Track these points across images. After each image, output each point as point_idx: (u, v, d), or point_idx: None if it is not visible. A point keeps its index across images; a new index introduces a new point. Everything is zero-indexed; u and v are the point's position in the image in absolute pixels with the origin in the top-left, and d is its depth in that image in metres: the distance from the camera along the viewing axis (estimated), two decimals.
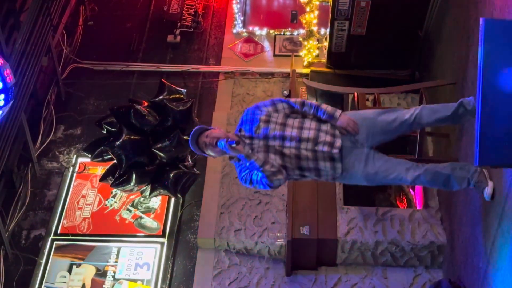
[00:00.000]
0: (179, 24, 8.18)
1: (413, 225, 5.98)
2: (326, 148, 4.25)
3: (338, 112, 4.34)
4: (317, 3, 7.05)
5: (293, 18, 8.16)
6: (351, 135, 4.32)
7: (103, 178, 5.86)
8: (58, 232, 6.46)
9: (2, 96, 5.14)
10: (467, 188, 4.51)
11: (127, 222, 6.49)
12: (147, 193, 5.87)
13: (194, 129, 4.34)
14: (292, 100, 4.44)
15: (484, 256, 4.65)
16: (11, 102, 5.32)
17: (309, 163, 4.31)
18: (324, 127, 4.32)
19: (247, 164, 4.26)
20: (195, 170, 6.07)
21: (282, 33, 8.05)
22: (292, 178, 4.44)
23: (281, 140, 4.27)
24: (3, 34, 6.06)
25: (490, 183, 4.38)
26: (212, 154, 4.33)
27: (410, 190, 6.55)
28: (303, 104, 4.38)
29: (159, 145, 5.65)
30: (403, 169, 4.40)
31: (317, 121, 4.36)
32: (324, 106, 4.37)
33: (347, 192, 6.31)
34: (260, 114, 4.36)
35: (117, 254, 6.27)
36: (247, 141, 4.30)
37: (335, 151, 4.26)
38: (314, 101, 4.74)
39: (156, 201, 6.55)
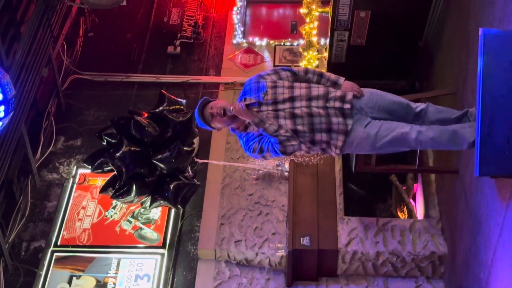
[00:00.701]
0: (179, 35, 8.19)
1: (414, 235, 5.97)
2: (337, 104, 4.25)
3: (342, 79, 4.43)
4: (317, 13, 7.06)
5: (293, 28, 8.18)
6: (357, 98, 4.34)
7: (103, 189, 5.85)
8: (58, 243, 6.44)
9: (2, 107, 5.14)
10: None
11: (127, 233, 6.48)
12: (148, 204, 5.86)
13: (198, 103, 4.30)
14: (295, 68, 4.47)
15: (485, 266, 4.63)
16: (11, 114, 5.32)
17: (322, 120, 4.23)
18: (332, 87, 4.38)
19: (256, 133, 4.24)
20: (195, 181, 6.06)
21: (282, 44, 8.07)
22: (301, 148, 4.34)
23: (291, 101, 4.25)
24: (4, 46, 6.06)
25: None
26: (219, 125, 4.30)
27: (411, 200, 6.54)
28: (306, 71, 4.43)
29: (159, 156, 5.65)
30: (405, 125, 4.29)
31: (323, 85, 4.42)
32: (328, 73, 4.45)
33: (348, 202, 6.31)
34: (265, 81, 4.33)
35: (117, 266, 6.26)
36: (255, 109, 4.23)
37: (347, 106, 4.26)
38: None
39: (156, 212, 6.54)
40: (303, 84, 4.32)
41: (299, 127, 4.22)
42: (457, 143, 4.25)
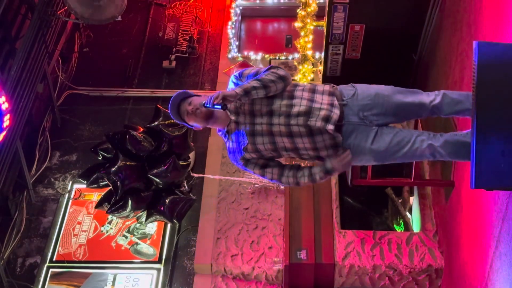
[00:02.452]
0: (174, 49, 8.21)
1: (411, 248, 5.96)
2: (319, 124, 3.67)
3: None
4: (312, 27, 7.09)
5: (288, 42, 8.20)
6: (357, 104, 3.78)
7: (99, 204, 5.84)
8: (54, 259, 6.42)
9: None
10: None
11: (123, 248, 6.46)
12: (143, 219, 5.85)
13: (174, 95, 3.79)
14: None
15: (482, 279, 4.63)
16: (7, 129, 5.32)
17: (304, 140, 3.73)
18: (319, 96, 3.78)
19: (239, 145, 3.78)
20: (191, 195, 6.06)
21: (277, 58, 8.08)
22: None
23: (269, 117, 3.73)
24: None
25: None
26: (195, 124, 3.76)
27: (407, 213, 6.54)
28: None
29: (155, 171, 5.65)
30: (418, 141, 3.80)
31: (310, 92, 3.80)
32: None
33: (344, 215, 6.30)
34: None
35: (113, 281, 6.23)
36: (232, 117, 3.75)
37: (331, 127, 3.67)
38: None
39: (152, 227, 6.53)
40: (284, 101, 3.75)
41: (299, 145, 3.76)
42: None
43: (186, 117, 3.75)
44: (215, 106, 3.53)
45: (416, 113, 3.97)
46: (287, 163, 3.91)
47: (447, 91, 3.97)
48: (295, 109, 3.68)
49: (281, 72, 3.73)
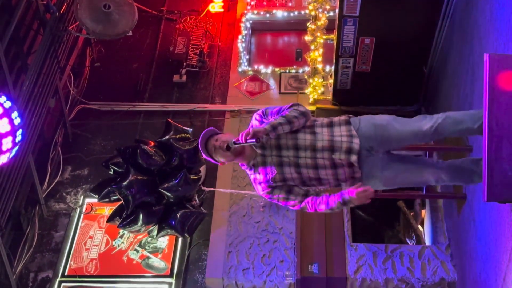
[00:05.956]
0: (185, 63, 8.24)
1: (423, 261, 5.93)
2: (343, 156, 4.03)
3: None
4: (322, 41, 7.10)
5: (298, 56, 8.21)
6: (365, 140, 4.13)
7: (110, 218, 5.85)
8: (66, 273, 6.42)
9: (10, 138, 5.16)
10: None
11: (134, 262, 6.46)
12: (155, 233, 5.85)
13: (203, 132, 4.09)
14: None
15: None
16: (19, 144, 5.34)
17: (327, 172, 4.12)
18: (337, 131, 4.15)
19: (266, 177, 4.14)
20: (202, 209, 6.05)
21: (287, 71, 8.09)
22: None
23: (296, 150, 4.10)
24: (11, 77, 6.12)
25: None
26: (222, 159, 4.06)
27: (419, 226, 6.51)
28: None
29: (166, 185, 5.65)
30: (423, 170, 4.26)
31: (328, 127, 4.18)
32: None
33: (355, 228, 6.28)
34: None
35: None
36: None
37: (354, 158, 4.04)
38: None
39: (163, 241, 6.52)
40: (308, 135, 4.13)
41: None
42: (470, 181, 4.41)
43: (213, 153, 4.04)
44: (248, 141, 3.84)
45: (416, 140, 4.30)
46: (310, 190, 4.17)
47: (450, 112, 4.24)
48: (319, 144, 4.05)
49: (302, 108, 4.11)
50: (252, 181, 4.24)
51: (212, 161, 4.13)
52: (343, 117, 4.21)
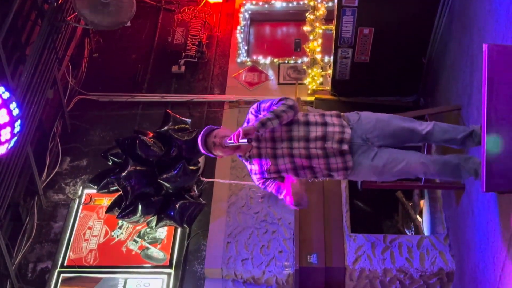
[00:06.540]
0: (183, 54, 8.22)
1: (422, 251, 5.94)
2: (335, 145, 4.27)
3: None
4: (320, 31, 7.09)
5: (297, 46, 8.20)
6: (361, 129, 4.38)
7: (109, 209, 5.85)
8: (65, 264, 6.44)
9: (8, 129, 5.16)
10: (476, 179, 4.47)
11: (133, 253, 6.47)
12: (153, 224, 5.86)
13: (202, 130, 4.35)
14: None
15: (494, 283, 4.61)
16: (17, 135, 5.34)
17: (320, 162, 4.34)
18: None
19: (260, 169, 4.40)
20: (201, 200, 6.06)
21: (286, 62, 8.08)
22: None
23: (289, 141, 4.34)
24: (9, 68, 6.11)
25: None
26: (220, 154, 4.31)
27: (418, 216, 6.52)
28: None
29: (164, 176, 5.66)
30: (412, 162, 4.41)
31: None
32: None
33: (354, 219, 6.29)
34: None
35: (124, 286, 6.24)
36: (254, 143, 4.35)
37: (345, 147, 4.29)
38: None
39: (162, 232, 6.53)
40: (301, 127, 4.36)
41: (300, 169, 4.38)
42: (458, 176, 4.54)
43: (213, 149, 4.29)
44: (241, 141, 4.07)
45: (410, 138, 4.54)
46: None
47: (437, 122, 4.58)
48: (313, 134, 4.29)
49: (290, 102, 4.30)
50: (249, 172, 4.50)
51: (212, 156, 4.38)
52: (334, 112, 4.48)
